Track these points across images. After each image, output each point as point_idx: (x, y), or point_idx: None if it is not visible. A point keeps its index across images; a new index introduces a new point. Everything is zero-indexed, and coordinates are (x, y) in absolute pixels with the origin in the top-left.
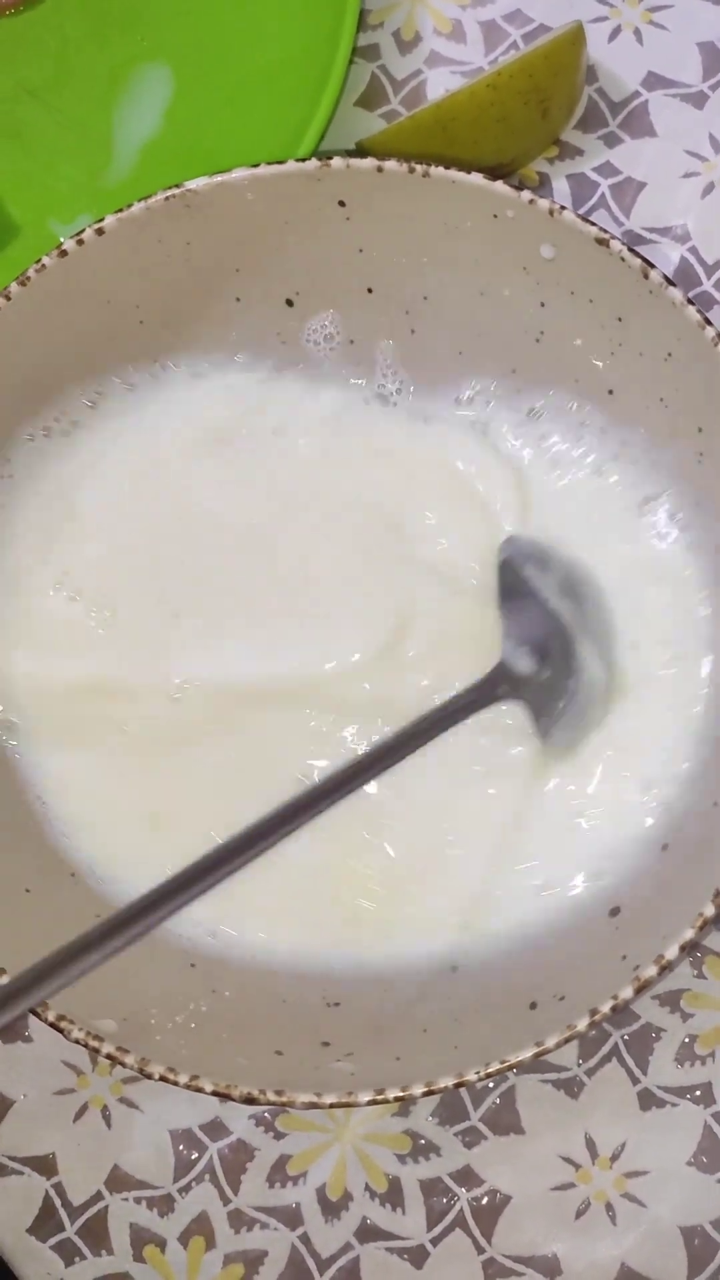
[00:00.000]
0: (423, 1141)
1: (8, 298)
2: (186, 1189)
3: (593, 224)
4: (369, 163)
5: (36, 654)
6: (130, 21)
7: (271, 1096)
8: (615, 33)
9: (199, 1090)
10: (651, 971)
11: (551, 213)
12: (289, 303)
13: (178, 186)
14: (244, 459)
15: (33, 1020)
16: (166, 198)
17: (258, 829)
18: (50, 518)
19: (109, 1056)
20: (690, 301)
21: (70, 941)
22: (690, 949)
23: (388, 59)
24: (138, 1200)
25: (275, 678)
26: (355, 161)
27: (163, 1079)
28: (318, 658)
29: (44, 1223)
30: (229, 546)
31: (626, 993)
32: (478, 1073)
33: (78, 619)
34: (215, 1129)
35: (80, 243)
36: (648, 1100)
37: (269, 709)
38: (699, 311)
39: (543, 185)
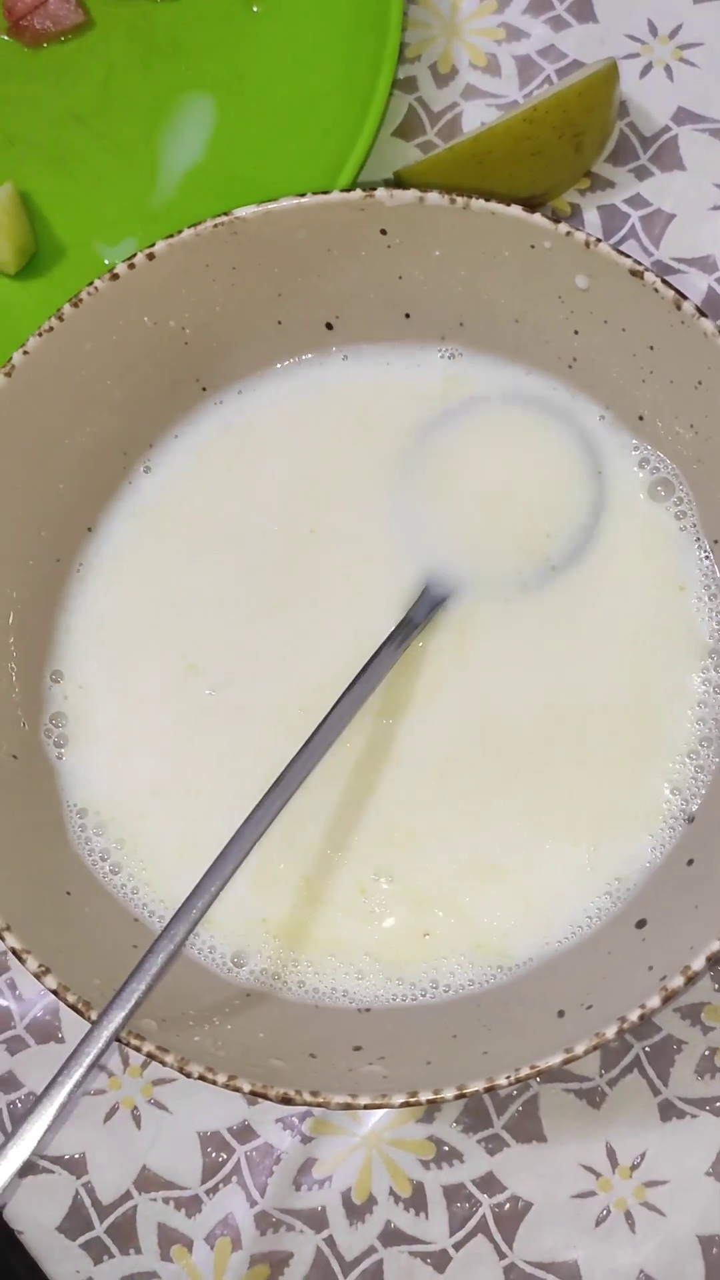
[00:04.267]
0: (446, 1148)
1: (61, 319)
2: (214, 1190)
3: (627, 256)
4: (411, 194)
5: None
6: (175, 51)
7: (307, 1097)
8: (647, 69)
9: (237, 1090)
10: (678, 982)
11: (588, 244)
12: (329, 326)
13: (226, 214)
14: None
15: (65, 1019)
16: (215, 225)
17: (274, 788)
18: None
19: (150, 1055)
20: None
21: (135, 966)
22: (716, 961)
23: (425, 91)
24: (166, 1201)
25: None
26: (398, 193)
27: (201, 1078)
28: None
29: (73, 1221)
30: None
31: (654, 1002)
32: (508, 1077)
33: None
34: (243, 1132)
35: (132, 267)
36: (668, 1111)
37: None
38: None
39: (574, 216)
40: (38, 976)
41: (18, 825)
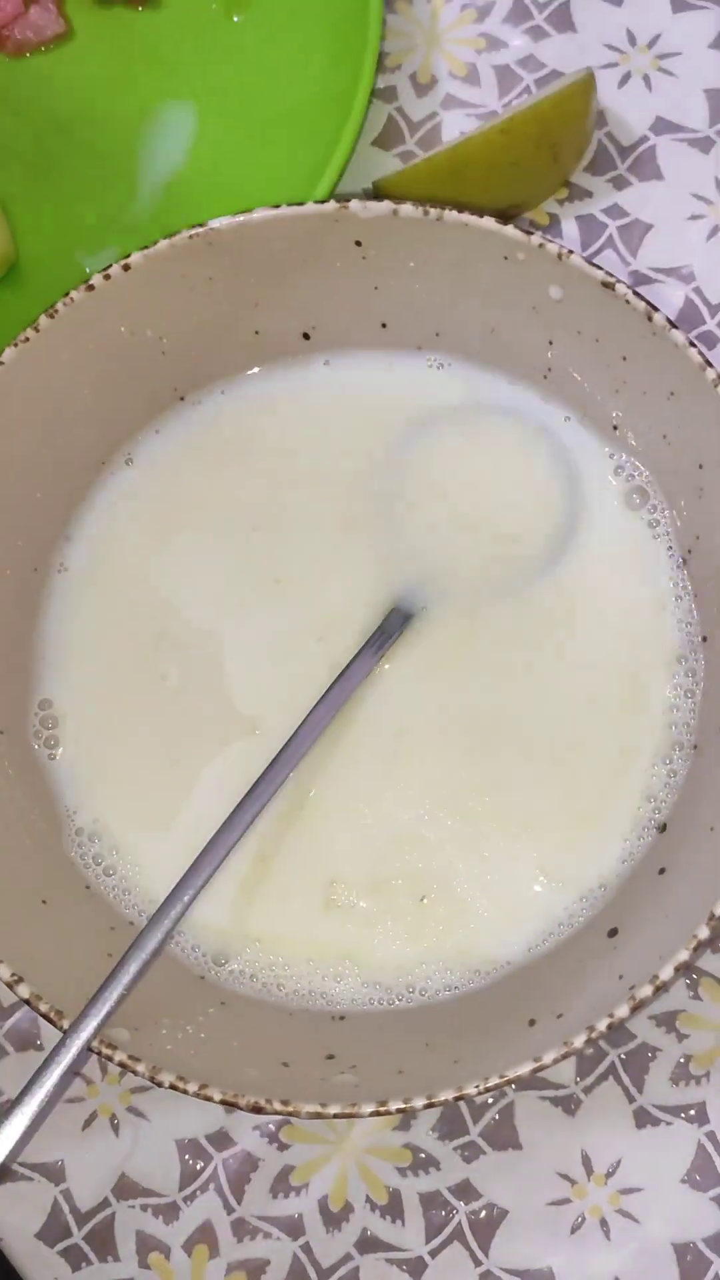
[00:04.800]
0: (423, 1155)
1: (37, 330)
2: (191, 1198)
3: (599, 268)
4: (385, 206)
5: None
6: (156, 61)
7: (278, 1106)
8: (625, 79)
9: (208, 1099)
10: (647, 991)
11: (560, 256)
12: (305, 336)
13: (201, 225)
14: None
15: (44, 1027)
16: (190, 236)
17: (239, 810)
18: None
19: (122, 1064)
20: (693, 344)
21: (107, 976)
22: (685, 970)
23: (404, 101)
24: (144, 1208)
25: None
26: (372, 204)
27: (173, 1087)
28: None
29: (52, 1228)
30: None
31: (623, 1011)
32: (477, 1086)
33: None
34: (221, 1139)
35: (107, 278)
36: (643, 1118)
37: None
38: (701, 353)
39: (552, 226)
40: (10, 985)
41: None
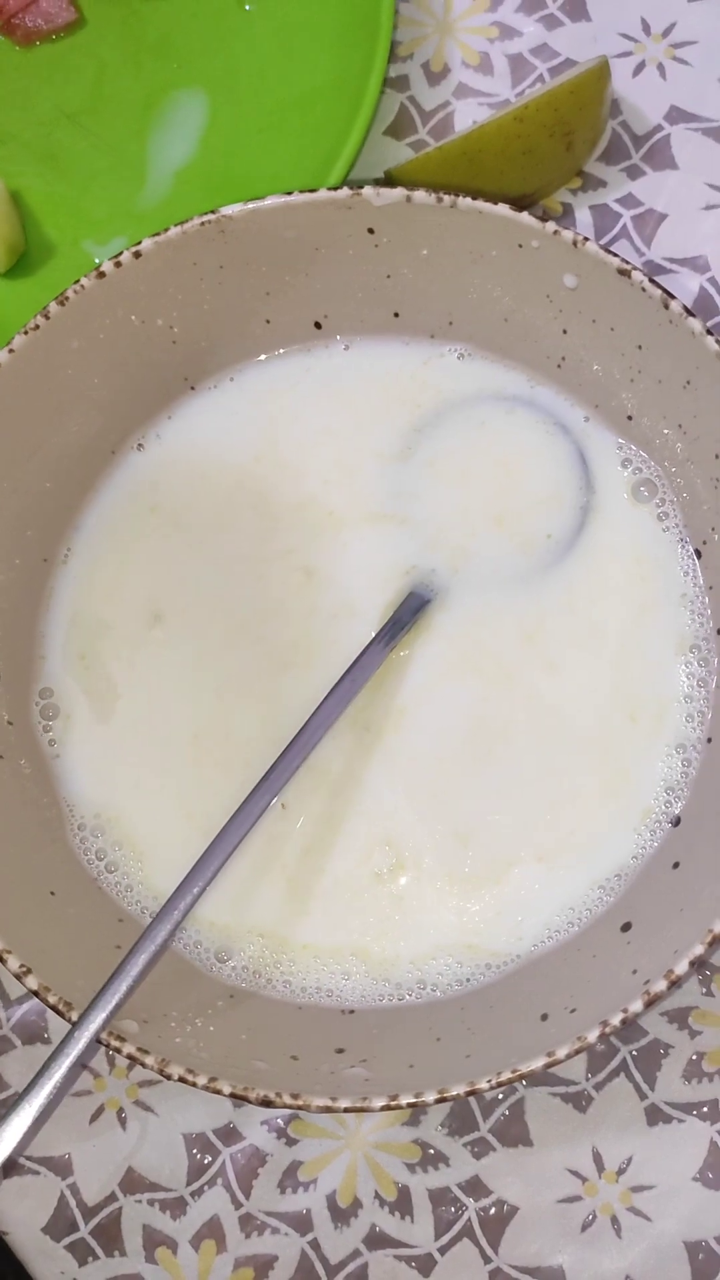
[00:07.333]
0: (432, 1151)
1: (47, 317)
2: (199, 1192)
3: (615, 255)
4: (398, 192)
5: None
6: (166, 49)
7: (288, 1100)
8: (639, 68)
9: (217, 1092)
10: (661, 986)
11: (575, 244)
12: (317, 325)
13: (213, 212)
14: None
15: (52, 1020)
16: (202, 223)
17: (250, 798)
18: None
19: (130, 1057)
20: (709, 331)
21: (116, 966)
22: (699, 965)
23: (417, 90)
24: (151, 1202)
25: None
26: (385, 191)
27: (182, 1080)
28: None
29: (58, 1222)
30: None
31: (636, 1006)
32: (489, 1081)
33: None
34: (228, 1134)
35: (118, 265)
36: (655, 1115)
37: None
38: (718, 341)
39: (566, 215)
40: (19, 977)
41: (2, 826)
